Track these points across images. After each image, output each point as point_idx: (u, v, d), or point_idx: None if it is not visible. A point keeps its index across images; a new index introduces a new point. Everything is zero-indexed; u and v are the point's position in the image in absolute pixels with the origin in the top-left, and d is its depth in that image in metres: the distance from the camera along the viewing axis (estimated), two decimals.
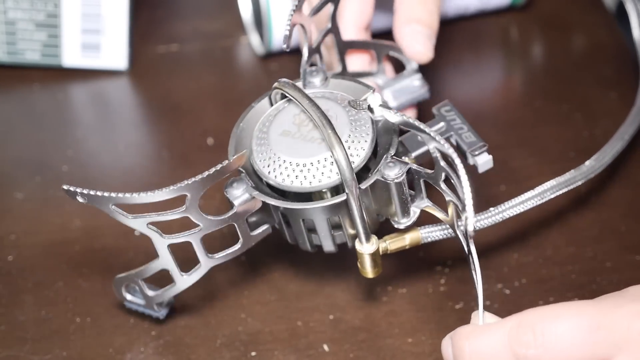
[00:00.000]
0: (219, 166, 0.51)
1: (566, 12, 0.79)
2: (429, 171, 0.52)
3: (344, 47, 0.60)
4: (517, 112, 0.71)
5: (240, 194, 0.53)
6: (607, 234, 0.62)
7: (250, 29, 0.76)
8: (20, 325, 0.58)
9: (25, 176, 0.67)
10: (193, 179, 0.51)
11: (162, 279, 0.55)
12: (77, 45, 0.74)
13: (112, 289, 0.60)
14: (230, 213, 0.53)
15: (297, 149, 0.53)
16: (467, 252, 0.50)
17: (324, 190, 0.53)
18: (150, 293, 0.56)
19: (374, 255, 0.53)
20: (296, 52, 0.76)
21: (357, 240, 0.53)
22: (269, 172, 0.53)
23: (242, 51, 0.77)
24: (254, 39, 0.76)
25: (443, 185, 0.51)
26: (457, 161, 0.49)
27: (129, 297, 0.57)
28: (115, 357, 0.57)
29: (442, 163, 0.51)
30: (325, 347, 0.57)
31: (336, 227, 0.54)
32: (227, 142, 0.70)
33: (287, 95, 0.54)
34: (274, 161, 0.53)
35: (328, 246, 0.55)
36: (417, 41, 0.56)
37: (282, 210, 0.53)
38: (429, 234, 0.55)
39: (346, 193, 0.51)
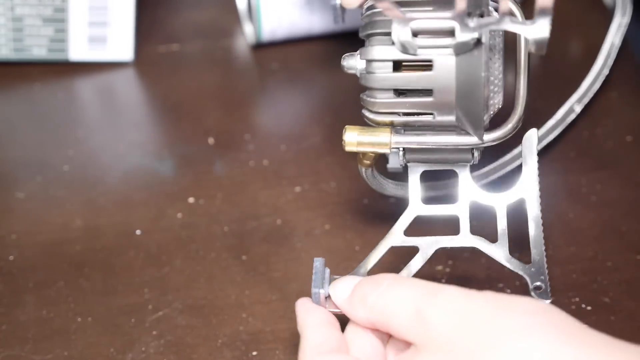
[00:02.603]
0: None
1: (566, 11, 0.79)
2: None
3: None
4: None
5: None
6: (607, 233, 0.62)
7: (244, 18, 0.77)
8: (21, 325, 0.58)
9: (26, 176, 0.67)
10: None
11: None
12: (84, 38, 0.74)
13: (112, 289, 0.60)
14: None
15: None
16: None
17: None
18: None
19: None
20: (298, 50, 0.76)
21: None
22: None
23: (243, 51, 0.77)
24: (247, 28, 0.76)
25: None
26: None
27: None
28: (117, 357, 0.57)
29: None
30: None
31: None
32: (227, 142, 0.70)
33: None
34: None
35: None
36: None
37: None
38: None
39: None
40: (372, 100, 0.53)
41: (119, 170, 0.68)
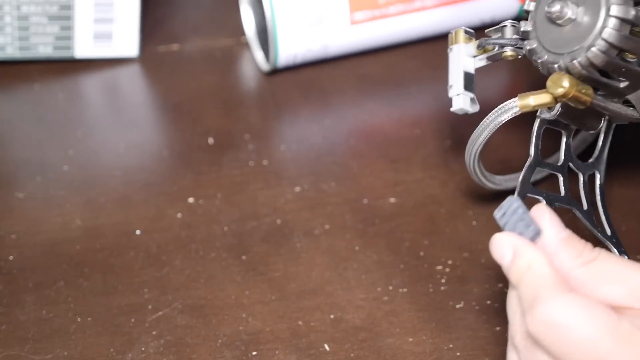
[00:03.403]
0: None
1: None
2: None
3: None
4: None
5: None
6: None
7: (254, 46, 0.76)
8: (21, 324, 0.58)
9: (26, 176, 0.67)
10: None
11: None
12: (90, 35, 0.74)
13: (112, 289, 0.60)
14: None
15: None
16: None
17: None
18: None
19: None
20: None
21: None
22: None
23: (242, 51, 0.77)
24: (258, 55, 0.75)
25: None
26: None
27: None
28: (116, 357, 0.57)
29: None
30: (326, 347, 0.57)
31: None
32: (227, 142, 0.70)
33: None
34: None
35: None
36: None
37: None
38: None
39: None
40: (602, 56, 0.51)
41: (119, 170, 0.68)
